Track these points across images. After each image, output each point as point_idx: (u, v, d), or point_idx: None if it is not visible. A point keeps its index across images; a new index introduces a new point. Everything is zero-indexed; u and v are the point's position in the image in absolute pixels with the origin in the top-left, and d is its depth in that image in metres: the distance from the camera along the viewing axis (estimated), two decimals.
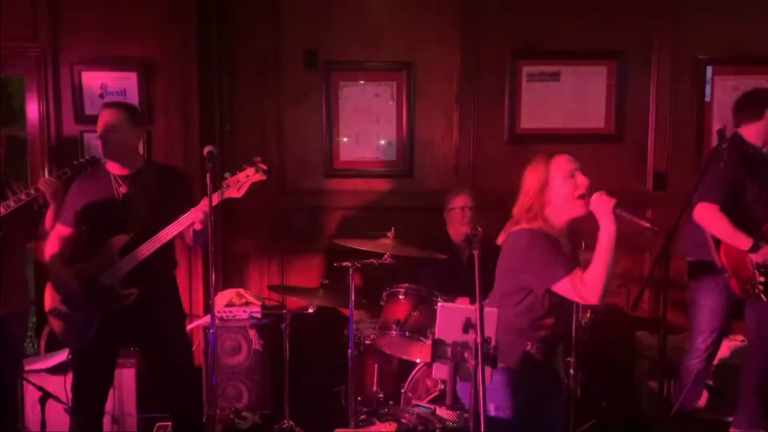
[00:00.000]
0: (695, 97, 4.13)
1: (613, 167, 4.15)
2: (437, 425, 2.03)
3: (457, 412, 2.06)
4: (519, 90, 4.10)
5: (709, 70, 4.11)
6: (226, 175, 2.76)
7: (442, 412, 2.07)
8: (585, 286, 2.18)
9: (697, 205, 3.07)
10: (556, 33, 4.11)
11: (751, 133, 3.17)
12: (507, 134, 4.13)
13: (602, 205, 2.22)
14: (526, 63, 4.09)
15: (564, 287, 2.19)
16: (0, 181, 3.37)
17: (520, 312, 2.27)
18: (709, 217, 3.05)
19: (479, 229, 2.06)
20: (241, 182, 2.75)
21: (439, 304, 2.17)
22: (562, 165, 2.37)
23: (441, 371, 2.12)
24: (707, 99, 4.14)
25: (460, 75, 4.10)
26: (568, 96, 4.13)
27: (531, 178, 2.41)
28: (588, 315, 3.37)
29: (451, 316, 2.09)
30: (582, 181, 2.33)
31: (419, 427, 2.02)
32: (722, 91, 4.08)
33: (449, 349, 2.08)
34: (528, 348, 2.24)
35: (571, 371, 3.23)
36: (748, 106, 3.20)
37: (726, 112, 3.33)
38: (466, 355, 2.03)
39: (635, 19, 4.11)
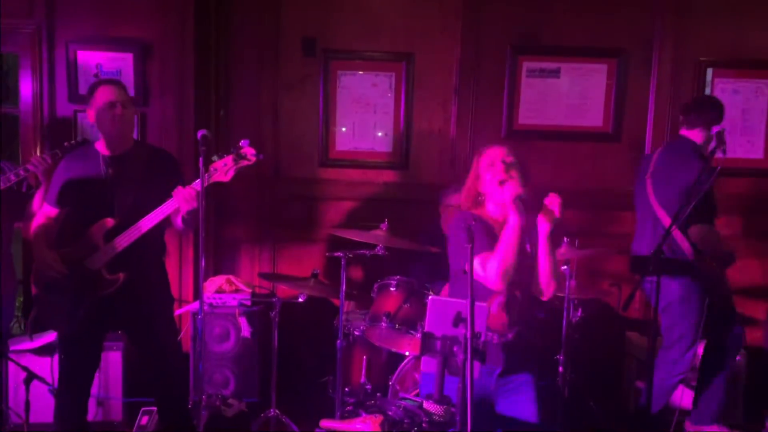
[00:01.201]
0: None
1: (610, 166, 4.15)
2: (423, 419, 2.01)
3: (444, 407, 2.05)
4: (518, 85, 4.08)
5: (709, 72, 4.10)
6: (214, 158, 2.70)
7: (429, 405, 2.06)
8: (485, 270, 2.29)
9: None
10: (557, 29, 4.09)
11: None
12: (505, 129, 4.12)
13: (507, 194, 2.32)
14: (527, 58, 4.07)
15: (475, 267, 2.26)
16: None
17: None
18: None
19: (473, 222, 2.05)
20: (229, 166, 2.69)
21: (429, 297, 2.15)
22: (489, 154, 2.47)
23: (429, 364, 2.11)
24: None
25: (459, 68, 4.07)
26: (568, 93, 4.11)
27: (471, 168, 2.54)
28: (578, 314, 3.36)
29: (442, 309, 2.07)
30: (499, 167, 2.41)
31: (405, 420, 2.00)
32: (723, 94, 4.05)
33: (438, 343, 2.06)
34: None
35: (560, 369, 3.23)
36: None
37: (726, 115, 3.32)
38: (455, 349, 2.02)
39: (637, 18, 4.09)
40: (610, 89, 4.11)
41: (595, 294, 3.79)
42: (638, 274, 3.23)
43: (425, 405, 2.07)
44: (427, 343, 2.09)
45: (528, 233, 2.39)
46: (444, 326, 2.04)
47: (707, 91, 4.11)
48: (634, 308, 4.00)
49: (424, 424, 1.99)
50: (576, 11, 4.07)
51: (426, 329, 2.09)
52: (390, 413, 2.03)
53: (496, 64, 4.07)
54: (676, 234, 3.09)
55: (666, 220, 3.14)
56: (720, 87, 4.10)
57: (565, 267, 3.19)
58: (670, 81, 4.10)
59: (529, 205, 2.36)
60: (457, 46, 4.06)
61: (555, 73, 4.09)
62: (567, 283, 3.17)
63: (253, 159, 2.71)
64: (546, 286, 2.40)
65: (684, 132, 3.33)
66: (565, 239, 3.24)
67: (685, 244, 3.15)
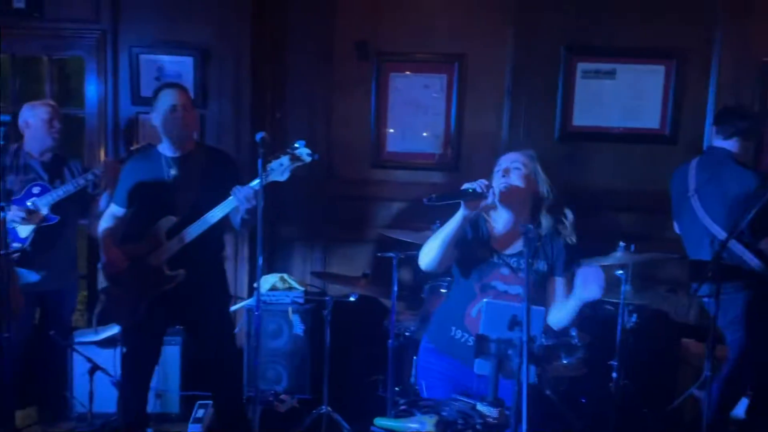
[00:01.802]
0: (757, 101, 3.99)
1: (667, 169, 4.04)
2: (477, 420, 2.02)
3: (498, 409, 2.05)
4: (572, 86, 4.03)
5: None
6: (271, 158, 2.76)
7: (483, 407, 2.06)
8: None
9: None
10: (613, 30, 4.02)
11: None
12: (558, 131, 4.07)
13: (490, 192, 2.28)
14: (581, 59, 4.02)
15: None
16: (60, 159, 3.51)
17: None
18: None
19: (529, 226, 2.04)
20: (285, 166, 2.77)
21: (484, 300, 2.15)
22: (502, 160, 2.42)
23: (483, 367, 2.11)
24: None
25: (512, 69, 4.05)
26: (623, 94, 4.04)
27: None
28: (633, 319, 3.30)
29: (497, 312, 2.07)
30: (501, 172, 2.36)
31: (459, 422, 2.01)
32: None
33: (493, 346, 2.07)
34: None
35: (614, 375, 3.18)
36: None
37: None
38: (510, 352, 2.02)
39: (696, 18, 3.99)
40: (667, 91, 4.03)
41: (651, 299, 3.71)
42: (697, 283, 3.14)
43: (479, 407, 2.07)
44: (482, 345, 2.10)
45: (543, 251, 2.35)
46: (499, 329, 2.04)
47: None
48: (691, 315, 3.91)
49: (478, 426, 2.00)
50: (632, 12, 3.99)
51: (480, 332, 2.10)
52: (444, 414, 2.04)
53: (549, 66, 4.04)
54: (737, 247, 3.01)
55: (723, 236, 3.04)
56: None
57: (620, 272, 3.14)
58: (730, 83, 3.98)
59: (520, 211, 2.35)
60: (509, 47, 4.04)
61: (610, 75, 4.03)
62: (622, 288, 3.12)
63: (308, 159, 2.78)
64: (552, 323, 2.33)
65: (718, 143, 3.24)
66: (620, 243, 3.18)
67: (748, 256, 3.05)
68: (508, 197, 2.29)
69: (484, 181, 2.23)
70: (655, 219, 4.05)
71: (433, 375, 2.43)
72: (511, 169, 2.34)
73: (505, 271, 2.34)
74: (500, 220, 2.39)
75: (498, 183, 2.31)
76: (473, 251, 2.37)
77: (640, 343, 3.40)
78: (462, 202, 2.20)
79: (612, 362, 3.19)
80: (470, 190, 2.18)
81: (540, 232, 2.33)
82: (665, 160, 4.06)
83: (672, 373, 3.88)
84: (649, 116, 4.07)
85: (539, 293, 2.35)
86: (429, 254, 2.31)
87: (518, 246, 2.36)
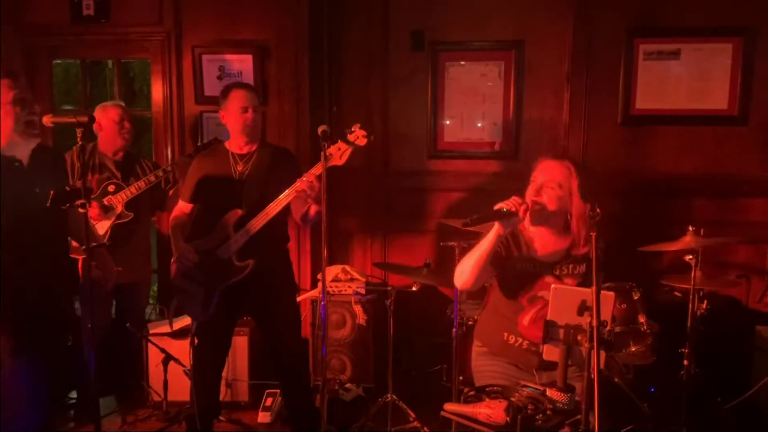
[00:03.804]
0: None
1: (736, 150, 3.92)
2: (548, 406, 2.02)
3: (568, 395, 2.04)
4: (635, 69, 3.92)
5: None
6: (328, 144, 2.79)
7: (552, 393, 2.06)
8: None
9: None
10: (675, 9, 3.89)
11: None
12: (621, 115, 3.97)
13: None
14: (643, 41, 3.90)
15: None
16: (131, 157, 3.66)
17: None
18: None
19: (597, 210, 2.02)
20: (343, 149, 2.81)
21: (552, 285, 2.14)
22: (539, 168, 2.40)
23: (552, 353, 2.10)
24: None
25: (572, 53, 3.97)
26: (688, 75, 3.91)
27: None
28: (704, 306, 3.21)
29: (565, 298, 2.06)
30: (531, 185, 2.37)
31: (530, 407, 2.01)
32: None
33: (561, 331, 2.06)
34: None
35: (685, 363, 3.10)
36: None
37: None
38: (579, 338, 2.00)
39: None
40: (735, 70, 3.87)
41: (722, 285, 3.59)
42: None
43: (548, 393, 2.07)
44: (550, 331, 2.09)
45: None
46: (567, 315, 2.03)
47: None
48: (765, 301, 3.77)
49: (548, 411, 1.99)
50: None
51: (549, 317, 2.09)
52: (513, 399, 2.04)
53: (610, 48, 3.94)
54: None
55: None
56: None
57: (690, 257, 3.06)
58: None
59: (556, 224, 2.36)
60: (568, 31, 3.97)
61: (674, 55, 3.91)
62: (693, 273, 3.04)
63: (365, 141, 2.83)
64: None
65: None
66: (690, 228, 3.10)
67: None
68: (539, 218, 2.33)
69: (517, 199, 2.27)
70: (725, 203, 3.93)
71: (492, 377, 2.43)
72: (546, 188, 2.34)
73: (549, 279, 2.37)
74: (536, 231, 2.41)
75: (530, 199, 2.32)
76: (515, 266, 2.39)
77: (712, 331, 3.31)
78: (501, 224, 2.25)
79: (682, 350, 3.12)
80: (504, 210, 2.24)
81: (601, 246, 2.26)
82: (734, 141, 3.93)
83: (746, 362, 3.76)
84: (716, 97, 3.93)
85: None
86: (465, 273, 2.32)
87: (558, 253, 2.38)
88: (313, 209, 2.90)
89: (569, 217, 2.37)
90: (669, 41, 3.91)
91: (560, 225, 2.39)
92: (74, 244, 2.73)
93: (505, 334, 2.41)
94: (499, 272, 2.40)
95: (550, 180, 2.34)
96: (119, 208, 3.41)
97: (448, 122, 4.19)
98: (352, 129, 2.83)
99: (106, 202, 3.39)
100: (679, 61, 3.91)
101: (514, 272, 2.39)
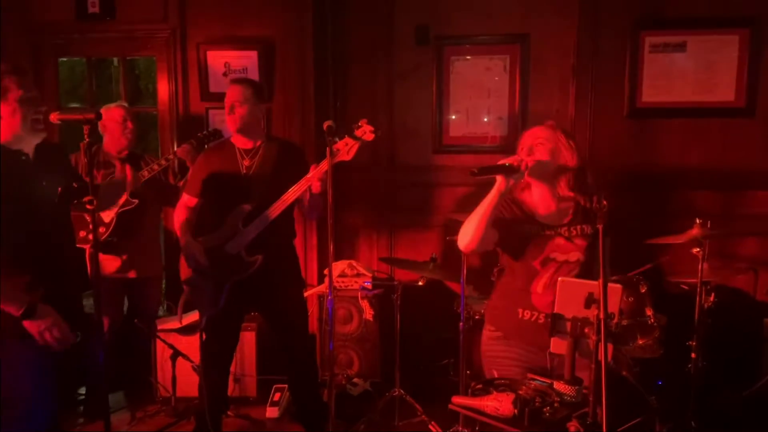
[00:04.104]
0: None
1: (743, 143, 3.90)
2: (555, 398, 2.02)
3: (576, 387, 2.04)
4: (641, 62, 3.91)
5: None
6: (335, 139, 2.80)
7: (559, 386, 2.06)
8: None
9: None
10: (681, 0, 3.87)
11: None
12: (627, 108, 3.96)
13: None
14: (649, 33, 3.89)
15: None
16: (137, 156, 3.68)
17: None
18: None
19: (604, 202, 2.01)
20: (350, 145, 2.82)
21: (559, 278, 2.14)
22: (526, 135, 2.43)
23: (559, 346, 2.10)
24: None
25: (577, 46, 3.96)
26: (695, 68, 3.90)
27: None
28: (711, 298, 3.20)
29: (572, 290, 2.06)
30: (537, 155, 2.37)
31: (537, 399, 2.01)
32: None
33: (568, 324, 2.06)
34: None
35: (692, 356, 3.10)
36: None
37: None
38: (586, 330, 2.00)
39: None
40: (742, 61, 3.85)
41: (730, 278, 3.58)
42: None
43: (556, 385, 2.07)
44: (557, 324, 2.09)
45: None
46: (574, 307, 2.02)
47: None
48: None
49: (555, 404, 2.00)
50: None
51: (556, 310, 2.09)
52: (521, 392, 2.05)
53: (616, 41, 3.93)
54: None
55: None
56: None
57: (697, 250, 3.05)
58: None
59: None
60: (574, 23, 3.95)
61: (680, 47, 3.89)
62: (700, 266, 3.03)
63: (372, 136, 2.83)
64: None
65: None
66: (696, 220, 3.09)
67: None
68: (538, 171, 2.35)
69: (519, 156, 2.32)
70: (732, 195, 3.91)
71: (503, 363, 2.43)
72: (535, 145, 2.38)
73: (559, 241, 2.38)
74: (537, 194, 2.44)
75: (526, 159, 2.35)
76: (522, 229, 2.41)
77: (720, 323, 3.30)
78: (497, 177, 2.28)
79: (690, 343, 3.11)
80: (507, 165, 2.28)
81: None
82: (742, 133, 3.91)
83: (754, 354, 3.75)
84: (722, 89, 3.91)
85: (594, 254, 2.36)
86: (468, 234, 2.32)
87: (561, 213, 2.42)
88: (307, 196, 2.90)
89: (567, 174, 2.38)
90: (675, 33, 3.89)
91: (560, 184, 2.41)
92: (81, 234, 2.72)
93: (520, 310, 2.40)
94: (503, 236, 2.40)
95: (535, 139, 2.39)
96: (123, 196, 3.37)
97: (453, 117, 4.18)
98: (360, 124, 2.83)
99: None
100: (685, 54, 3.90)
101: (521, 236, 2.40)
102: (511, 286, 2.47)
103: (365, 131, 2.81)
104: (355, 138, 2.81)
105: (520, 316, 2.40)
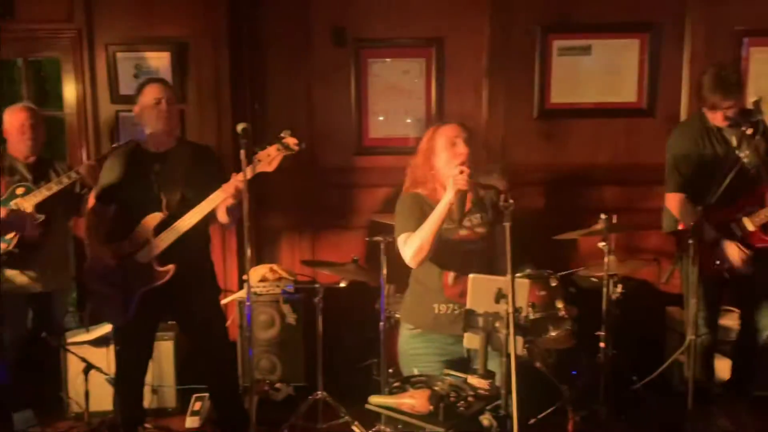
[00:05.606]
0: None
1: (645, 141, 4.11)
2: (469, 392, 2.07)
3: (489, 381, 2.10)
4: (549, 64, 4.06)
5: (745, 41, 4.02)
6: (257, 150, 2.77)
7: (473, 380, 2.11)
8: (403, 247, 2.38)
9: None
10: (587, 6, 4.05)
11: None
12: (537, 109, 4.11)
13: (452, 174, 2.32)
14: (557, 37, 4.05)
15: (399, 244, 2.41)
16: (45, 161, 3.50)
17: None
18: None
19: (511, 201, 2.08)
20: (272, 156, 2.77)
21: (470, 275, 2.19)
22: (446, 133, 2.44)
23: (472, 341, 2.16)
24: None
25: (489, 50, 4.07)
26: (600, 70, 4.09)
27: (421, 145, 2.52)
28: (619, 289, 3.36)
29: (482, 286, 2.12)
30: (461, 149, 2.40)
31: (452, 394, 2.06)
32: (759, 64, 3.98)
33: (480, 319, 2.12)
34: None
35: (601, 345, 3.25)
36: None
37: (763, 84, 3.27)
38: (497, 324, 2.07)
39: None
40: (642, 64, 4.07)
41: (635, 268, 3.77)
42: None
43: (470, 380, 2.12)
44: (470, 319, 2.15)
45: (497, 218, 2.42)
46: (485, 303, 2.09)
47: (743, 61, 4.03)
48: (674, 283, 3.98)
49: (470, 398, 2.05)
50: None
51: (468, 306, 2.15)
52: (436, 388, 2.08)
53: (526, 45, 4.06)
54: None
55: None
56: (756, 57, 4.02)
57: (603, 243, 3.20)
58: (704, 52, 4.03)
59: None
60: (486, 28, 4.06)
61: (586, 51, 4.07)
62: (605, 259, 3.18)
63: (296, 148, 2.79)
64: None
65: None
66: (601, 216, 3.24)
67: None
68: (471, 165, 2.36)
69: (465, 176, 2.28)
70: (636, 191, 4.12)
71: (424, 359, 2.46)
72: (457, 141, 2.41)
73: (462, 232, 2.43)
74: (432, 189, 2.47)
75: (458, 161, 2.37)
76: None
77: (627, 313, 3.47)
78: (452, 188, 2.29)
79: (598, 333, 3.26)
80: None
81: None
82: (644, 133, 4.13)
83: (658, 341, 3.97)
84: (626, 90, 4.12)
85: (492, 241, 2.46)
86: (423, 250, 2.32)
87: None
88: (223, 207, 2.84)
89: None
90: (581, 37, 4.06)
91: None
92: None
93: (435, 305, 2.43)
94: None
95: (451, 131, 2.43)
96: (29, 210, 3.23)
97: (374, 117, 4.21)
98: (283, 135, 2.78)
99: (13, 205, 3.22)
100: (591, 57, 4.08)
101: None
102: (423, 283, 2.50)
103: (289, 143, 2.78)
104: (279, 150, 2.77)
105: (436, 311, 2.44)
